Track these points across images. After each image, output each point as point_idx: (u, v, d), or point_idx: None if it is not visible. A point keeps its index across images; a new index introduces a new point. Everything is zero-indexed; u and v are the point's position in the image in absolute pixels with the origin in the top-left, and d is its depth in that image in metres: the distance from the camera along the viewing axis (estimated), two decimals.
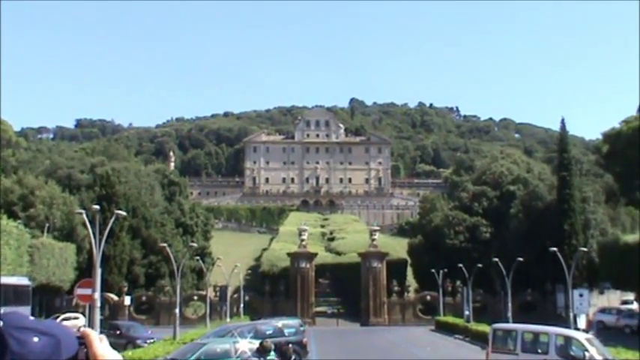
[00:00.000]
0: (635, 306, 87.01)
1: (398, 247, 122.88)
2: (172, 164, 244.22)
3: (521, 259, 70.54)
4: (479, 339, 56.73)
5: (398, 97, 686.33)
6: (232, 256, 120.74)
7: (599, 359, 29.45)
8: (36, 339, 2.39)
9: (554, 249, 60.56)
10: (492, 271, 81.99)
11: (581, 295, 58.34)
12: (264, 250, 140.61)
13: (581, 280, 77.65)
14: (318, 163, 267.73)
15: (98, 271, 37.92)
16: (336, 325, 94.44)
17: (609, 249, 79.37)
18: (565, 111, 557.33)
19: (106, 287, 73.27)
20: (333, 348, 58.95)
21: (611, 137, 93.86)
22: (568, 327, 46.79)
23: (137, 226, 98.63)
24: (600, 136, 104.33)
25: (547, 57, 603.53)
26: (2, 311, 2.53)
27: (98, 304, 38.28)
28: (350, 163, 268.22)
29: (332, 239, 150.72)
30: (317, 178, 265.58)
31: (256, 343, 25.13)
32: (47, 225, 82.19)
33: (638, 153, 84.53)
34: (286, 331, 43.66)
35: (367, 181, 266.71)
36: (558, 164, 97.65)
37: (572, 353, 30.58)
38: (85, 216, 40.28)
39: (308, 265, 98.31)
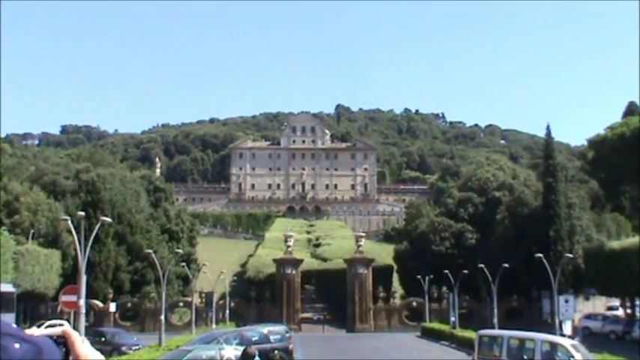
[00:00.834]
0: (620, 312, 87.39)
1: (384, 254, 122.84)
2: (158, 170, 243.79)
3: (506, 265, 70.66)
4: (465, 345, 56.81)
5: (384, 103, 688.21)
6: (218, 262, 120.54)
7: None
8: (17, 345, 2.37)
9: (540, 255, 60.71)
10: (478, 277, 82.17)
11: (566, 301, 58.49)
12: (250, 256, 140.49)
13: (566, 286, 77.88)
14: (304, 169, 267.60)
15: (83, 278, 37.77)
16: (322, 332, 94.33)
17: (595, 255, 79.66)
18: (550, 117, 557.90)
19: (91, 294, 72.95)
20: (319, 354, 58.83)
21: (597, 143, 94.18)
22: (554, 333, 46.86)
23: (122, 232, 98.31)
24: (585, 143, 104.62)
25: (533, 63, 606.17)
26: None
27: (83, 310, 38.12)
28: (336, 169, 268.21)
29: (318, 245, 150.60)
30: (303, 185, 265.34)
31: (242, 350, 25.04)
32: (32, 231, 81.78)
33: (623, 159, 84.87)
34: (272, 338, 43.53)
35: (353, 187, 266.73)
36: (544, 170, 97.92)
37: (557, 359, 30.64)
38: (70, 222, 40.21)
39: (294, 272, 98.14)
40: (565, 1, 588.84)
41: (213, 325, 79.70)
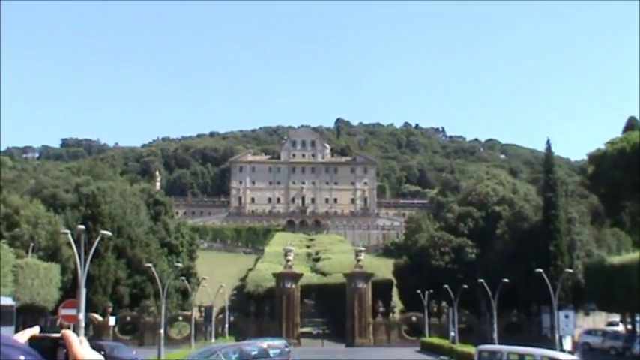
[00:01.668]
0: (620, 327, 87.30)
1: (383, 268, 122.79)
2: (158, 184, 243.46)
3: (506, 279, 70.58)
4: None
5: (384, 117, 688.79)
6: (217, 276, 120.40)
7: None
8: (22, 357, 2.43)
9: (540, 270, 60.77)
10: (478, 291, 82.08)
11: (566, 317, 58.54)
12: (250, 270, 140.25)
13: (566, 302, 77.87)
14: (303, 183, 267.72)
15: (83, 291, 37.77)
16: (322, 346, 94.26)
17: (595, 270, 79.62)
18: (550, 132, 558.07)
19: (90, 307, 72.87)
20: None
21: (597, 158, 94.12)
22: (553, 348, 46.84)
23: (122, 245, 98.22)
24: (585, 157, 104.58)
25: (533, 78, 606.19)
26: None
27: (83, 324, 38.11)
28: (336, 184, 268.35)
29: (317, 259, 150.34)
30: (303, 199, 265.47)
31: None
32: (32, 245, 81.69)
33: (623, 174, 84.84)
34: (271, 352, 43.57)
35: (353, 201, 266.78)
36: (544, 185, 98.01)
37: None
38: (70, 236, 40.20)
39: (293, 286, 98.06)
40: (565, 15, 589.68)
41: (213, 339, 79.64)
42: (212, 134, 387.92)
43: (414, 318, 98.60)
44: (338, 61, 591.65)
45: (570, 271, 72.46)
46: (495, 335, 66.35)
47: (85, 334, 45.16)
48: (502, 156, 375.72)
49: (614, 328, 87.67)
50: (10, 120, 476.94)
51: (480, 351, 36.77)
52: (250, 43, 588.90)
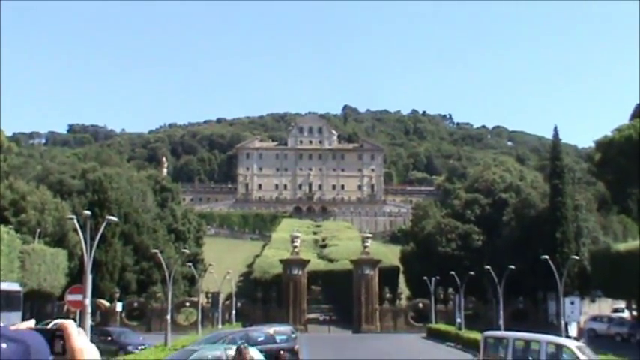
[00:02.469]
0: (626, 314, 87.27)
1: (390, 255, 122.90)
2: (165, 170, 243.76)
3: (513, 266, 70.65)
4: (470, 346, 56.78)
5: (391, 104, 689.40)
6: (224, 262, 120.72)
7: None
8: (4, 345, 2.39)
9: (546, 257, 60.79)
10: (484, 278, 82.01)
11: (572, 303, 58.54)
12: (257, 256, 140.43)
13: (572, 288, 77.78)
14: (310, 169, 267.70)
15: (89, 277, 37.83)
16: (328, 332, 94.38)
17: (601, 257, 79.56)
18: (558, 119, 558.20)
19: (97, 293, 73.08)
20: (325, 355, 58.86)
21: (604, 145, 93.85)
22: (559, 335, 46.87)
23: (129, 232, 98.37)
24: (593, 145, 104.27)
25: (540, 65, 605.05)
26: None
27: (89, 310, 38.20)
28: (343, 170, 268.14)
29: (324, 246, 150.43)
30: (310, 185, 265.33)
31: (250, 350, 25.08)
32: (39, 230, 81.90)
33: (630, 161, 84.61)
34: (278, 338, 43.56)
35: (360, 188, 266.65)
36: (551, 172, 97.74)
37: None
38: (76, 222, 40.24)
39: (300, 272, 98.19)
40: (573, 2, 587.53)
41: (219, 325, 79.87)
42: (219, 120, 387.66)
43: (420, 304, 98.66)
44: (345, 48, 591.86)
45: (576, 258, 72.46)
46: (501, 322, 66.35)
47: (92, 320, 45.38)
48: (509, 143, 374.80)
49: (620, 314, 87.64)
50: (17, 105, 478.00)
51: (486, 337, 36.78)
52: (258, 30, 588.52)
